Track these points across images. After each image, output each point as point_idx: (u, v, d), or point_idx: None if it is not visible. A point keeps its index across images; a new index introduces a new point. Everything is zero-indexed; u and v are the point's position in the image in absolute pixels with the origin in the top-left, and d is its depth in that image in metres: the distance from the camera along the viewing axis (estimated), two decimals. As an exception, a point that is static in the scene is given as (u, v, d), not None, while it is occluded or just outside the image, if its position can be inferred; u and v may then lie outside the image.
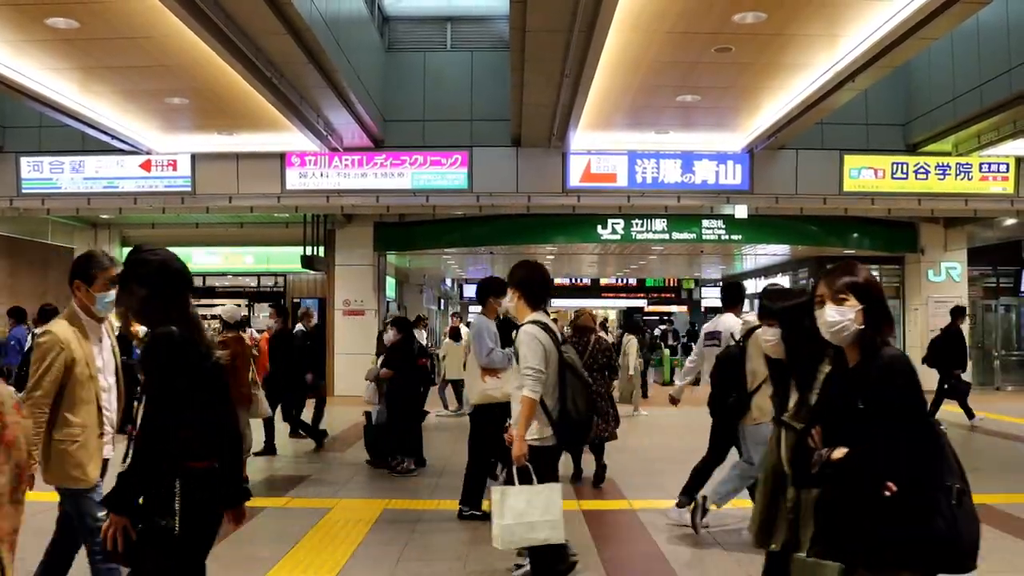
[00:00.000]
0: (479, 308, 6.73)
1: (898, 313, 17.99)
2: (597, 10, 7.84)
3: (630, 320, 17.26)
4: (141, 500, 2.76)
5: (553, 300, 33.78)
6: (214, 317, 13.47)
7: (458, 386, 13.43)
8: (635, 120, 12.25)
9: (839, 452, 2.52)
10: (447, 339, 13.99)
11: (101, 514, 3.31)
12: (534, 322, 4.09)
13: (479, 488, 6.25)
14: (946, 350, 11.43)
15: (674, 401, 6.82)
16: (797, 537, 2.86)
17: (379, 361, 9.19)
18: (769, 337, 3.40)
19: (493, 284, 6.31)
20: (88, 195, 14.02)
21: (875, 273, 19.52)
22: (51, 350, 3.57)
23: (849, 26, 8.72)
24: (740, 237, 16.26)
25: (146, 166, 13.87)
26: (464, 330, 13.99)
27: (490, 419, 5.82)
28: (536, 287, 4.16)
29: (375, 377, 8.90)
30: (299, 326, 11.20)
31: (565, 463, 8.69)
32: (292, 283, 19.26)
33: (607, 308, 41.37)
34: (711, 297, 30.12)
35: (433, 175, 13.72)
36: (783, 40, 9.09)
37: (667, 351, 21.86)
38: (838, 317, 2.62)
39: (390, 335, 8.91)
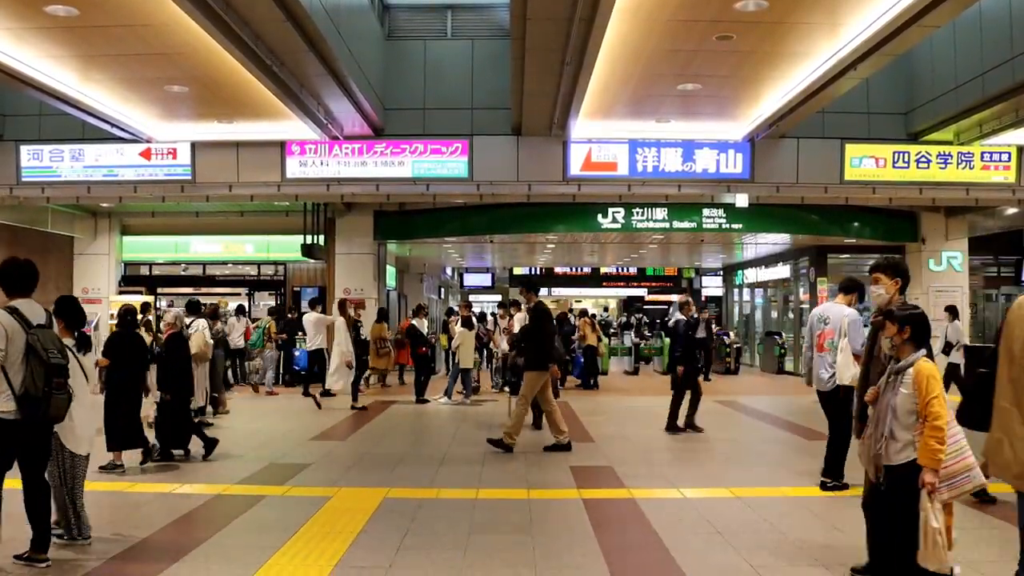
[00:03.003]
0: (837, 297, 7.43)
1: (898, 302, 17.99)
2: (598, -2, 7.80)
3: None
4: None
5: (555, 289, 33.84)
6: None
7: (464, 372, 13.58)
8: (636, 108, 12.21)
9: None
10: (459, 327, 13.64)
11: None
12: (6, 308, 4.72)
13: (840, 460, 6.90)
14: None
15: None
16: None
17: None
18: None
19: (857, 281, 7.37)
20: (88, 183, 14.01)
21: (876, 262, 19.19)
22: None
23: (851, 14, 8.68)
24: (741, 226, 16.26)
25: (146, 154, 13.85)
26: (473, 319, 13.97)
27: (849, 400, 6.52)
28: (12, 280, 4.83)
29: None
30: None
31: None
32: (292, 272, 19.26)
33: (608, 297, 41.36)
34: (712, 287, 30.12)
35: (433, 163, 13.69)
36: (785, 28, 9.05)
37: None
38: None
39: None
